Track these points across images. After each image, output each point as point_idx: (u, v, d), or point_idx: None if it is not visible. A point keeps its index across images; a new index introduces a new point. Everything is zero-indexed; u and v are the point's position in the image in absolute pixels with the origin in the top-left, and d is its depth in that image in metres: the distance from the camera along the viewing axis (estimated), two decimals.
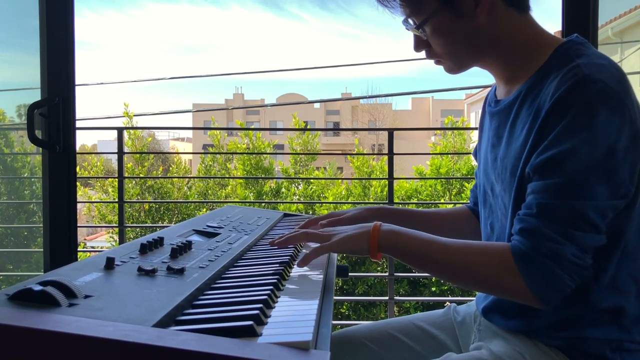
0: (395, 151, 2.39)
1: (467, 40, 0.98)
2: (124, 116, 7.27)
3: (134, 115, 7.50)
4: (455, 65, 1.03)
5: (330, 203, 5.21)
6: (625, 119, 0.82)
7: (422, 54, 1.05)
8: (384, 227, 0.95)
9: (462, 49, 0.99)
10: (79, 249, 2.51)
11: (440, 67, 1.04)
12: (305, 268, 0.94)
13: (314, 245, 0.99)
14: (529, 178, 0.88)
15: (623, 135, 0.82)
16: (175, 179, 7.06)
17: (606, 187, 0.82)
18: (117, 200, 2.52)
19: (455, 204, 5.30)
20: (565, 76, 0.85)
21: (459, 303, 1.22)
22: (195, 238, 1.05)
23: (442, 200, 6.10)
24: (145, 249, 0.89)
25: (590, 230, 0.82)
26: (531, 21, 0.98)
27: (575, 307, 0.89)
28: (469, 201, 1.28)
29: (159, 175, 8.14)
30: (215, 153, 7.40)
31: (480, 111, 1.15)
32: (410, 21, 0.99)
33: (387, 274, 2.35)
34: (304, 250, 1.07)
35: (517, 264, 0.84)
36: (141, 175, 6.87)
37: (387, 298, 2.34)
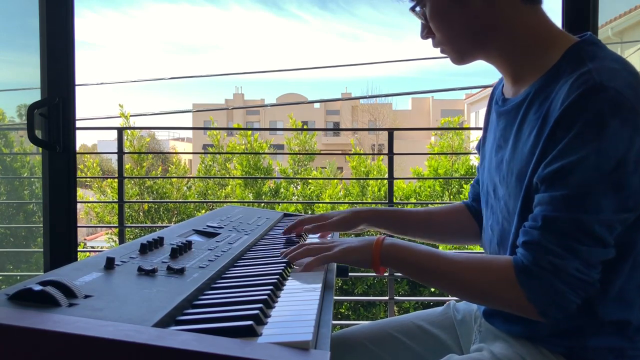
0: (395, 151, 2.39)
1: (464, 26, 0.95)
2: (120, 117, 7.29)
3: (134, 116, 7.53)
4: (457, 54, 1.00)
5: (328, 203, 5.21)
6: (638, 128, 0.79)
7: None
8: (386, 242, 0.95)
9: (460, 36, 0.96)
10: (79, 249, 2.51)
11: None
12: None
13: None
14: (536, 188, 0.86)
15: (635, 145, 0.79)
16: (174, 179, 7.06)
17: (614, 200, 0.79)
18: (116, 200, 2.51)
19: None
20: (576, 82, 0.81)
21: (459, 301, 1.21)
22: (195, 238, 1.05)
23: (441, 201, 6.10)
24: (145, 249, 0.89)
25: (595, 245, 0.80)
26: (540, 14, 0.94)
27: (580, 318, 0.87)
28: (467, 198, 1.26)
29: (159, 176, 8.13)
30: (215, 153, 7.40)
31: (482, 110, 1.13)
32: (412, 4, 0.99)
33: (387, 274, 2.35)
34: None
35: (519, 278, 0.83)
36: (141, 176, 6.87)
37: (387, 298, 2.33)
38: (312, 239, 1.22)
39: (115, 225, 3.56)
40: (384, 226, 1.22)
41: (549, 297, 0.82)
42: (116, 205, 2.83)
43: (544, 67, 0.91)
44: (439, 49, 1.01)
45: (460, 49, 0.99)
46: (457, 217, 1.22)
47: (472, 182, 1.26)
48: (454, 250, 0.98)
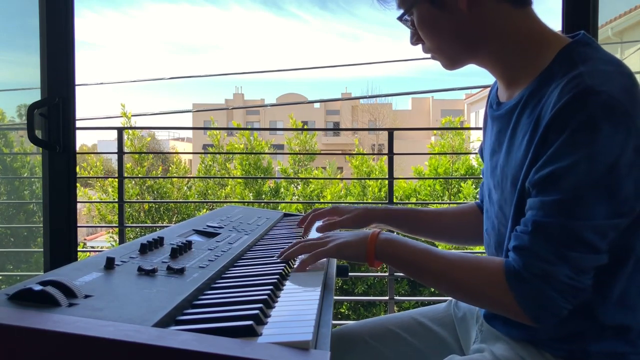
0: (395, 151, 2.39)
1: (453, 34, 0.93)
2: (122, 116, 7.29)
3: (134, 115, 7.51)
4: (448, 60, 0.99)
5: (328, 203, 5.21)
6: (631, 132, 0.77)
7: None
8: (382, 236, 0.94)
9: (450, 43, 0.95)
10: (79, 249, 2.51)
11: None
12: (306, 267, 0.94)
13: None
14: (528, 193, 0.85)
15: (627, 149, 0.77)
16: (175, 179, 7.06)
17: (606, 206, 0.78)
18: (117, 200, 2.52)
19: (452, 204, 5.31)
20: (567, 86, 0.80)
21: None
22: (195, 238, 1.05)
23: (441, 200, 6.11)
24: (145, 249, 0.89)
25: (586, 251, 0.79)
26: (531, 16, 0.92)
27: (581, 323, 0.87)
28: (467, 200, 1.26)
29: (159, 175, 8.14)
30: (215, 153, 7.41)
31: (482, 110, 1.13)
32: (399, 14, 0.97)
33: (387, 273, 2.35)
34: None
35: (509, 282, 0.83)
36: (141, 175, 6.88)
37: (387, 298, 2.34)
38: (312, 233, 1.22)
39: (115, 225, 3.57)
40: (395, 226, 1.22)
41: (539, 303, 0.81)
42: (117, 205, 2.83)
43: (537, 70, 0.90)
44: (429, 55, 1.00)
45: (450, 55, 0.98)
46: (468, 219, 1.22)
47: (480, 183, 1.25)
48: (452, 250, 0.97)
